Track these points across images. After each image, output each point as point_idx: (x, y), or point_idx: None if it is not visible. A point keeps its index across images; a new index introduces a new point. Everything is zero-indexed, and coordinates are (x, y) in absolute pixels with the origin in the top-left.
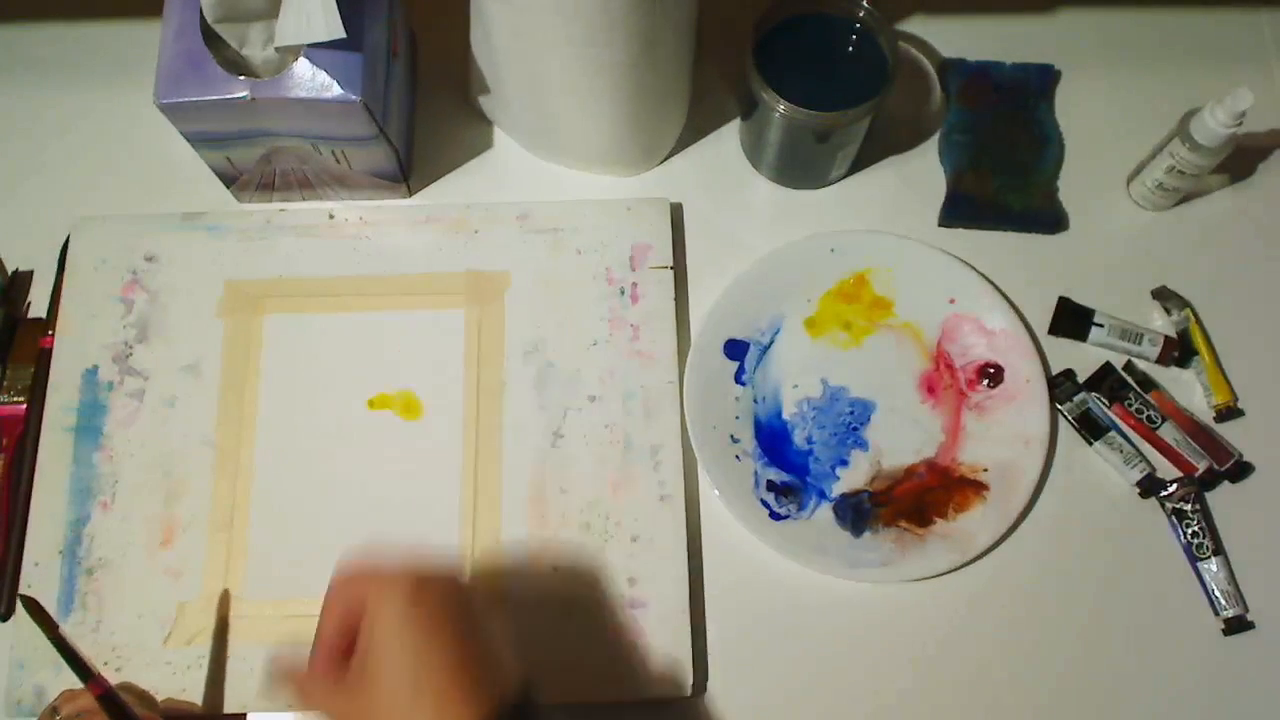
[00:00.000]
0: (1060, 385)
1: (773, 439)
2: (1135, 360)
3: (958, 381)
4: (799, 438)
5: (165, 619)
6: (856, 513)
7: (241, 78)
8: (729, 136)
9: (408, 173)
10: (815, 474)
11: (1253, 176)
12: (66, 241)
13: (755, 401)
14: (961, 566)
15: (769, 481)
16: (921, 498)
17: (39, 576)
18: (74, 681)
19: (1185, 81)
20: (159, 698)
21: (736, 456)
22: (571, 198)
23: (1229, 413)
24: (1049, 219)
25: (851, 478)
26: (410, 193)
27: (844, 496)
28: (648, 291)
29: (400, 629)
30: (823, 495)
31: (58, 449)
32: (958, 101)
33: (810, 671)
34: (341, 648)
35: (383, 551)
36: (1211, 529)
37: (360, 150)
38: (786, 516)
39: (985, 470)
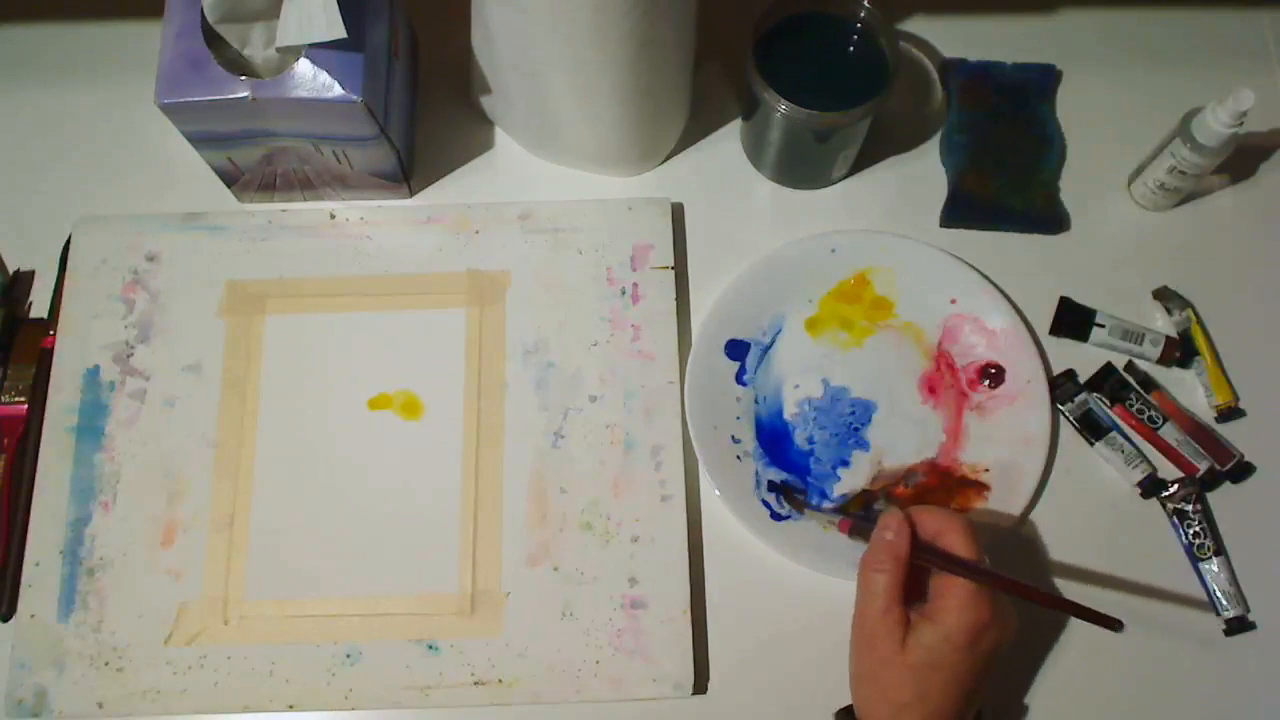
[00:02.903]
0: (1061, 385)
1: (774, 439)
2: (1136, 360)
3: (959, 382)
4: (800, 438)
5: (166, 619)
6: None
7: (242, 78)
8: (730, 136)
9: (409, 173)
10: (816, 474)
11: (1254, 176)
12: (68, 241)
13: (756, 402)
14: None
15: (770, 482)
16: (923, 498)
17: (40, 576)
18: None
19: (1186, 81)
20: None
21: (737, 457)
22: (572, 198)
23: (1230, 413)
24: (1050, 219)
25: (853, 478)
26: (411, 193)
27: (845, 497)
28: (648, 292)
29: None
30: (824, 495)
31: (59, 449)
32: (958, 101)
33: (810, 672)
34: None
35: None
36: (1213, 529)
37: (361, 150)
38: (787, 517)
39: (986, 471)
